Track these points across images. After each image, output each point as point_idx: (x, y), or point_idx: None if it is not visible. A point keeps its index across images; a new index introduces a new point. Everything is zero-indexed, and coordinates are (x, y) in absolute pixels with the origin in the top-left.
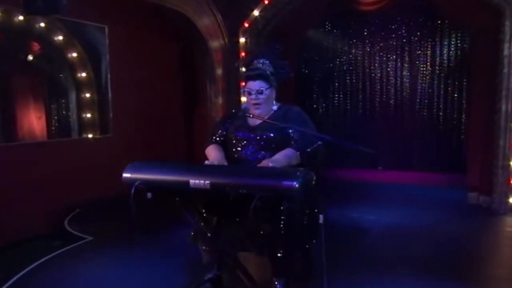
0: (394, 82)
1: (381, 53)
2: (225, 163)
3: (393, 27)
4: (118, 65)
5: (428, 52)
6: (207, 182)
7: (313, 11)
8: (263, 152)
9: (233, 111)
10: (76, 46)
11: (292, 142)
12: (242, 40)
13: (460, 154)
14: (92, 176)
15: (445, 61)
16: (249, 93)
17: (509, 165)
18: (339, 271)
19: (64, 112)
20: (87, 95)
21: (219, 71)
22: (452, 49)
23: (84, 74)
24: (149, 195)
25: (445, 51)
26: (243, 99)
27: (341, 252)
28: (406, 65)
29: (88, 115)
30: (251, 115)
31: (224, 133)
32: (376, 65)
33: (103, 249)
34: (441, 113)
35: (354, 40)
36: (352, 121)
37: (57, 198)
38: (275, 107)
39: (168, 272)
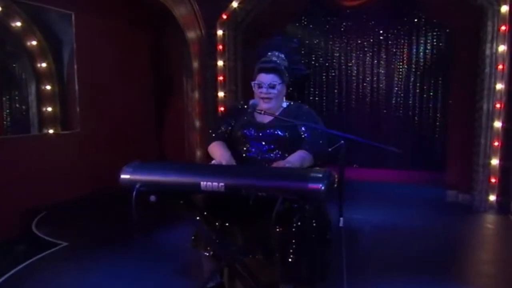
0: (370, 80)
1: (358, 51)
2: (234, 163)
3: (370, 24)
4: (85, 56)
5: (404, 50)
6: (221, 184)
7: (293, 5)
8: (273, 152)
9: (239, 105)
10: (36, 34)
11: (304, 143)
12: (219, 32)
13: (435, 152)
14: (57, 175)
15: (421, 60)
16: (260, 86)
17: (490, 163)
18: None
19: (20, 106)
20: (48, 87)
21: (195, 64)
22: (428, 47)
23: (44, 64)
24: (152, 198)
25: (421, 50)
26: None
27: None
28: (382, 63)
29: (49, 109)
30: (262, 112)
31: (229, 129)
32: (353, 62)
33: (82, 256)
34: (416, 112)
35: (331, 36)
36: (328, 119)
37: (19, 200)
38: (284, 104)
39: (161, 280)
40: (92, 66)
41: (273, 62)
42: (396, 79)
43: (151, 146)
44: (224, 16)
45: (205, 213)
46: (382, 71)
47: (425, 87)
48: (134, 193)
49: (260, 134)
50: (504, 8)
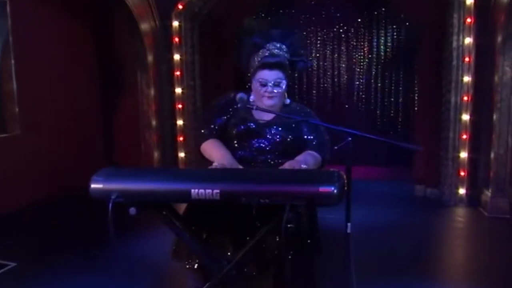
0: (331, 74)
1: (317, 44)
2: (239, 166)
3: (330, 16)
4: (24, 50)
5: (365, 43)
6: (216, 191)
7: None
8: (273, 153)
9: (232, 98)
10: None
11: (311, 144)
12: (175, 23)
13: (399, 147)
14: None
15: (382, 53)
16: (262, 84)
17: (459, 156)
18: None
19: None
20: None
21: (150, 58)
22: (389, 40)
23: None
24: (132, 210)
25: (382, 43)
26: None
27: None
28: (343, 57)
29: None
30: (254, 107)
31: (223, 123)
32: (313, 55)
33: (36, 278)
34: (378, 106)
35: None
36: None
37: None
38: (287, 101)
39: None
40: (32, 61)
41: (276, 55)
42: (358, 73)
43: (101, 148)
44: (180, 6)
45: (190, 222)
46: (343, 65)
47: (386, 81)
48: (110, 205)
49: (260, 133)
50: (469, 1)
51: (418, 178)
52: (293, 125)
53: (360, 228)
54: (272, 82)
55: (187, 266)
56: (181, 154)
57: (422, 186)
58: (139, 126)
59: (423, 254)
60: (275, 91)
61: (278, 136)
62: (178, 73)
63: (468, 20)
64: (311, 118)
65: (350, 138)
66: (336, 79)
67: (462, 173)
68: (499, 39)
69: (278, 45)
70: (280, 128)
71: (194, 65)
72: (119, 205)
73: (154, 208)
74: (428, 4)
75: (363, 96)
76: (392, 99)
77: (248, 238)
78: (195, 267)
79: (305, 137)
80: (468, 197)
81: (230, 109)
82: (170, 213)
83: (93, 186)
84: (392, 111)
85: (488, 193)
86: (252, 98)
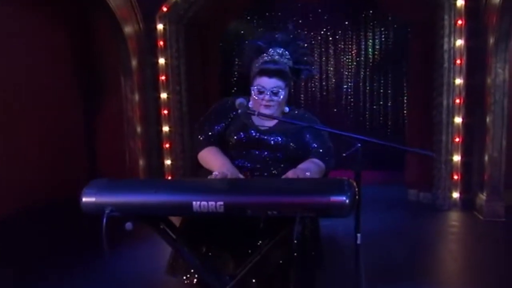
0: (319, 78)
1: (311, 62)
2: (239, 175)
3: (317, 19)
4: None
5: (353, 46)
6: (220, 203)
7: None
8: (275, 162)
9: (231, 103)
10: None
11: (314, 151)
12: (159, 26)
13: (390, 151)
14: None
15: (370, 56)
16: (260, 92)
17: (452, 159)
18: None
19: None
20: None
21: (134, 62)
22: (377, 43)
23: None
24: (129, 225)
25: (369, 45)
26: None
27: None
28: (331, 60)
29: None
30: (255, 113)
31: (221, 130)
32: None
33: None
34: (367, 110)
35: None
36: None
37: None
38: (286, 109)
39: None
40: (7, 68)
41: (276, 62)
42: (346, 76)
43: (83, 156)
44: (165, 9)
45: (187, 235)
46: (331, 69)
47: (375, 84)
48: (104, 220)
49: (261, 140)
50: (460, 2)
51: (410, 182)
52: (296, 132)
53: (353, 234)
54: (270, 91)
55: (186, 282)
56: (167, 162)
57: (415, 190)
58: (123, 133)
59: (419, 259)
60: (272, 99)
61: (280, 144)
62: (163, 77)
63: (459, 22)
64: (315, 124)
65: (359, 145)
66: (324, 83)
67: (455, 177)
68: (491, 40)
69: (281, 51)
70: (282, 135)
71: (180, 69)
72: (114, 219)
73: (150, 222)
74: (417, 6)
75: (352, 100)
76: (381, 103)
77: (250, 251)
78: (194, 282)
79: (308, 144)
80: (462, 201)
81: (229, 115)
82: (167, 226)
83: (85, 199)
84: (381, 115)
85: (483, 196)
86: (250, 104)
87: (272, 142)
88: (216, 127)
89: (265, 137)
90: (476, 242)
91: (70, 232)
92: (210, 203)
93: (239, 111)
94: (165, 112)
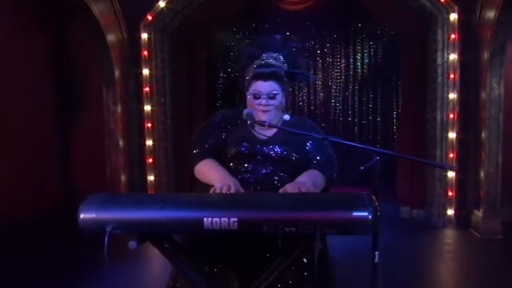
0: (306, 92)
1: (306, 65)
2: (240, 188)
3: (305, 31)
4: None
5: (341, 60)
6: (233, 219)
7: (225, 8)
8: (277, 174)
9: (229, 114)
10: None
11: (314, 162)
12: (144, 35)
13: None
14: None
15: (359, 70)
16: (256, 97)
17: (446, 176)
18: None
19: None
20: None
21: (117, 72)
22: (366, 56)
23: None
24: (132, 244)
25: (358, 59)
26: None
27: None
28: (319, 74)
29: None
30: (265, 124)
31: (217, 143)
32: None
33: None
34: (356, 125)
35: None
36: None
37: None
38: (286, 117)
39: None
40: None
41: (271, 66)
42: (334, 90)
43: (58, 172)
44: (149, 17)
45: (190, 253)
46: (319, 83)
47: (364, 99)
48: (106, 238)
49: (261, 152)
50: (453, 16)
51: (403, 199)
52: (297, 141)
53: (345, 254)
54: (267, 95)
55: None
56: (151, 178)
57: (407, 208)
58: (104, 146)
59: (415, 279)
60: (270, 104)
61: (282, 155)
62: (147, 89)
63: (452, 36)
64: (317, 132)
65: (378, 157)
66: (312, 97)
67: (450, 193)
68: (486, 55)
69: (274, 55)
70: (283, 145)
71: (165, 81)
72: (115, 237)
73: (153, 240)
74: (408, 19)
75: (340, 114)
76: (371, 118)
77: (256, 269)
78: None
79: (309, 154)
80: (457, 218)
81: (226, 127)
82: (171, 244)
83: (83, 216)
84: (370, 130)
85: (479, 213)
86: (249, 110)
87: (273, 153)
88: (212, 140)
89: (266, 148)
90: (473, 260)
91: (35, 251)
92: (223, 219)
93: (248, 122)
94: (149, 125)
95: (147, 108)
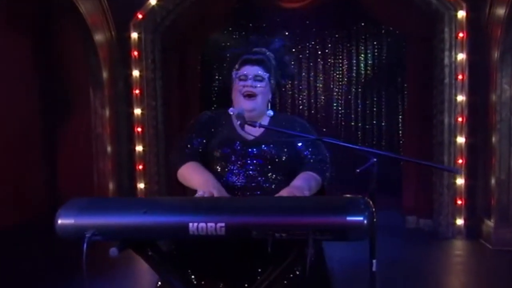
0: (306, 96)
1: (292, 62)
2: (225, 192)
3: (304, 31)
4: None
5: (344, 61)
6: (221, 224)
7: (220, 6)
8: (268, 176)
9: (213, 115)
10: None
11: (308, 162)
12: (134, 35)
13: (385, 174)
14: None
15: (362, 72)
16: (241, 78)
17: (455, 183)
18: None
19: None
20: None
21: (105, 74)
22: (369, 57)
23: None
24: (113, 251)
25: (361, 60)
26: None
27: None
28: (320, 76)
29: None
30: (256, 124)
31: (201, 146)
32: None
33: None
34: (359, 130)
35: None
36: None
37: None
38: (271, 113)
39: None
40: None
41: (260, 53)
42: (336, 93)
43: (42, 179)
44: (140, 16)
45: (176, 262)
46: (320, 85)
47: (367, 102)
48: (85, 245)
49: (248, 153)
50: (461, 14)
51: (408, 208)
52: (286, 139)
53: (348, 266)
54: (253, 76)
55: None
56: (141, 185)
57: (414, 217)
58: (91, 152)
59: None
60: (256, 86)
61: (270, 156)
62: (137, 91)
63: (460, 34)
64: (308, 131)
65: (375, 159)
66: (312, 100)
67: (459, 202)
68: (496, 54)
69: (263, 49)
70: (272, 146)
71: (156, 83)
72: (96, 244)
73: (137, 247)
74: (413, 17)
75: (342, 118)
76: (375, 122)
77: (245, 279)
78: None
79: (301, 153)
80: (467, 228)
81: (210, 129)
82: (156, 252)
83: (61, 221)
84: (374, 135)
85: (490, 223)
86: (231, 110)
87: (261, 153)
88: (196, 142)
89: (253, 149)
90: (485, 273)
91: (17, 261)
92: (209, 224)
93: (238, 122)
94: (139, 129)
95: (137, 111)
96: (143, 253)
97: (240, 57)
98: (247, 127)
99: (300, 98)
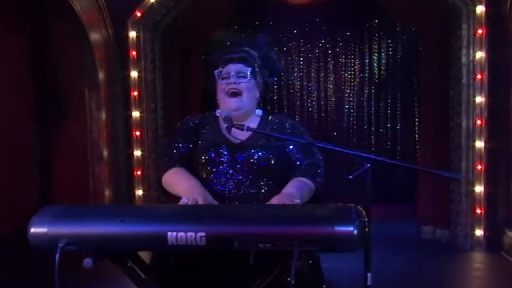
0: (316, 96)
1: (300, 62)
2: (212, 200)
3: (314, 29)
4: None
5: (355, 60)
6: (201, 234)
7: (224, 1)
8: (256, 181)
9: (199, 119)
10: None
11: (300, 168)
12: (132, 34)
13: (399, 181)
14: None
15: (376, 72)
16: (225, 77)
17: (473, 191)
18: None
19: None
20: None
21: (101, 75)
22: (384, 57)
23: None
24: (88, 262)
25: (375, 60)
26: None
27: None
28: (330, 77)
29: None
30: (243, 127)
31: (187, 151)
32: (295, 75)
33: None
34: (372, 134)
35: None
36: None
37: None
38: (259, 112)
39: None
40: None
41: (242, 51)
42: (348, 94)
43: (35, 185)
44: (138, 14)
45: (159, 274)
46: (331, 86)
47: (381, 104)
48: (58, 255)
49: (235, 157)
50: (480, 9)
51: (424, 218)
52: (276, 142)
53: (359, 279)
54: (235, 72)
55: None
56: (139, 192)
57: (430, 227)
58: (87, 157)
59: None
60: (239, 82)
61: (258, 160)
62: (135, 93)
63: (479, 31)
64: (297, 133)
65: (369, 165)
66: (322, 102)
67: (478, 211)
68: None
69: (246, 48)
70: (260, 149)
71: (155, 84)
72: (69, 254)
73: (116, 258)
74: (430, 14)
75: (355, 122)
76: (389, 125)
77: None
78: None
79: (292, 156)
80: (487, 239)
81: (197, 133)
82: (136, 263)
83: (33, 230)
84: (389, 139)
85: (511, 234)
86: (218, 112)
87: (249, 157)
88: (181, 147)
89: (240, 153)
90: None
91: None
92: (189, 234)
93: (225, 125)
94: (137, 133)
95: (136, 114)
96: (122, 264)
97: (221, 57)
98: (234, 130)
99: (309, 100)
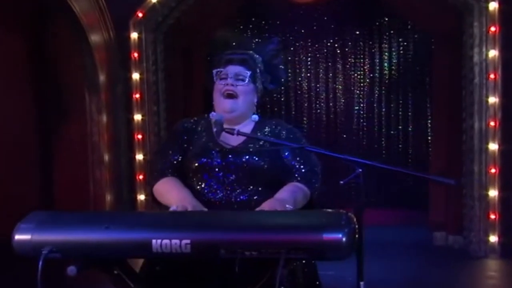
0: (325, 98)
1: (308, 62)
2: (204, 208)
3: (323, 28)
4: None
5: (365, 60)
6: (186, 241)
7: (228, 1)
8: (248, 188)
9: (190, 124)
10: None
11: (295, 173)
12: (133, 35)
13: (411, 186)
14: None
15: (386, 72)
16: (222, 78)
17: (487, 195)
18: None
19: None
20: None
21: (102, 77)
22: (395, 57)
23: None
24: (72, 270)
25: (385, 59)
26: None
27: None
28: (339, 77)
29: None
30: (234, 132)
31: (180, 158)
32: (302, 76)
33: None
34: (383, 136)
35: None
36: None
37: None
38: (255, 118)
39: None
40: None
41: (244, 54)
42: (357, 96)
43: (35, 189)
44: (140, 14)
45: (148, 283)
46: (340, 87)
47: (392, 105)
48: (41, 262)
49: (227, 163)
50: (493, 5)
51: (437, 223)
52: (270, 149)
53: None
54: (234, 74)
55: None
56: (141, 197)
57: (442, 233)
58: (87, 161)
59: None
60: (237, 84)
61: (250, 165)
62: (137, 95)
63: (492, 28)
64: (295, 138)
65: (360, 170)
66: (331, 104)
67: (492, 216)
68: None
69: (250, 52)
70: (253, 154)
71: (158, 86)
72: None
73: (102, 266)
74: (441, 11)
75: (365, 123)
76: (400, 127)
77: None
78: None
79: (288, 163)
80: (501, 245)
81: (189, 139)
82: (124, 271)
83: (18, 237)
84: (400, 142)
85: None
86: (213, 115)
87: (240, 163)
88: (173, 154)
89: (232, 158)
90: None
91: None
92: (173, 241)
93: (214, 129)
94: (139, 136)
95: (137, 117)
96: (108, 272)
97: (223, 57)
98: (227, 135)
99: (317, 102)
